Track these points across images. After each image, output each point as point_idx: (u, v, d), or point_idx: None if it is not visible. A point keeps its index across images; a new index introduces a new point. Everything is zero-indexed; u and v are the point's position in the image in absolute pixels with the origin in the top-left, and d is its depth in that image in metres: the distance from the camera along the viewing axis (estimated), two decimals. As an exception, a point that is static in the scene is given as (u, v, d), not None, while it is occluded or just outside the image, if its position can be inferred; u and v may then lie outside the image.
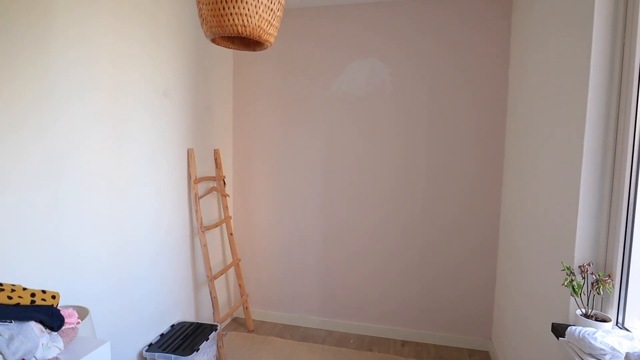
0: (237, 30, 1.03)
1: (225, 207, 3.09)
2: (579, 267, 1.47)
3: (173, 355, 2.18)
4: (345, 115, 3.02)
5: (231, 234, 3.12)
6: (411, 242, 2.98)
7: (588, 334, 1.23)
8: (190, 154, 2.66)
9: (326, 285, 3.18)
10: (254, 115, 3.22)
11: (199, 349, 2.25)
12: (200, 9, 1.11)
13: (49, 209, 1.66)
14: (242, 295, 3.16)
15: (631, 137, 1.37)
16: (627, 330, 1.36)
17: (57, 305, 1.28)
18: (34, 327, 1.17)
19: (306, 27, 3.04)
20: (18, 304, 1.16)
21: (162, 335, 2.39)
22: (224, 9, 1.03)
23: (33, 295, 1.22)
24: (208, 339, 2.38)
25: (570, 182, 1.59)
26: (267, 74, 3.16)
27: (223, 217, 3.11)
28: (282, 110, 3.15)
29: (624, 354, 1.09)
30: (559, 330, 1.45)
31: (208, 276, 2.70)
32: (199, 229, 2.68)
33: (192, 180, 2.65)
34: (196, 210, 2.68)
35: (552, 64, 1.86)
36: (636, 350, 1.13)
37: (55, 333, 1.25)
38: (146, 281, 2.30)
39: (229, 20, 1.03)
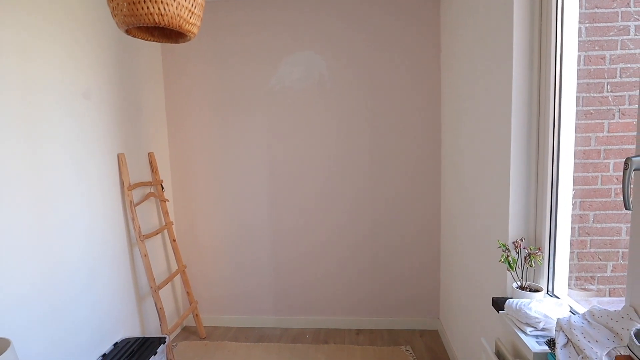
0: (154, 19, 0.93)
1: (166, 213, 2.94)
2: (513, 243, 1.57)
3: (118, 376, 2.04)
4: (285, 110, 2.98)
5: (174, 240, 2.97)
6: (356, 232, 3.03)
7: (524, 305, 1.32)
8: (121, 159, 2.48)
9: (278, 283, 3.15)
10: (189, 114, 3.08)
11: (146, 365, 2.13)
12: (109, -4, 0.99)
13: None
14: (190, 303, 3.03)
15: (551, 123, 1.49)
16: (557, 297, 1.48)
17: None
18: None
19: (239, 20, 2.94)
20: None
21: (104, 356, 2.22)
22: (136, -5, 0.92)
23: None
24: (156, 353, 2.26)
25: (501, 166, 1.69)
26: (200, 71, 3.03)
27: (164, 224, 2.96)
28: (219, 108, 3.04)
29: (555, 320, 1.18)
30: (498, 303, 1.54)
31: (152, 287, 2.55)
32: (137, 238, 2.52)
33: (126, 187, 2.48)
34: (132, 219, 2.51)
35: (477, 47, 1.96)
36: (565, 315, 1.22)
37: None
38: (80, 299, 2.12)
39: (143, 9, 0.92)
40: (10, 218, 1.71)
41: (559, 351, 1.02)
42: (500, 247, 1.58)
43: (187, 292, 3.03)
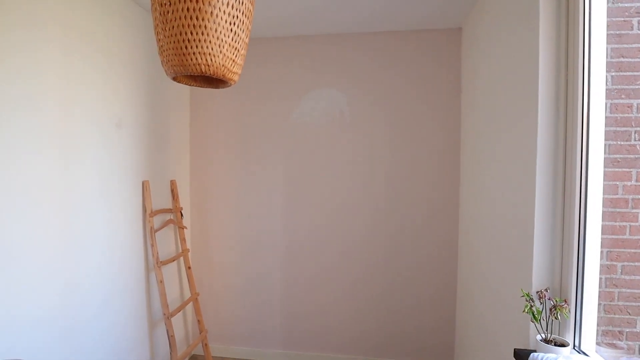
0: (201, 69, 0.99)
1: (183, 240, 2.96)
2: (537, 292, 1.52)
3: (126, 406, 2.01)
4: (305, 145, 3.02)
5: (189, 268, 2.97)
6: (373, 272, 2.98)
7: (550, 361, 1.26)
8: (145, 186, 2.54)
9: (289, 316, 3.10)
10: (212, 145, 3.15)
11: (154, 396, 2.09)
12: (160, 48, 1.06)
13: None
14: (201, 332, 3.00)
15: (578, 170, 1.47)
16: (585, 354, 1.41)
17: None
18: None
19: (264, 57, 3.05)
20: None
21: (113, 383, 2.20)
22: (186, 47, 0.98)
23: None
24: (165, 383, 2.22)
25: (524, 212, 1.66)
26: (225, 105, 3.12)
27: (180, 250, 2.97)
28: (240, 141, 3.10)
29: (585, 381, 1.12)
30: (521, 356, 1.48)
31: (165, 314, 2.54)
32: (154, 264, 2.53)
33: (148, 213, 2.52)
34: (152, 245, 2.53)
35: (500, 92, 1.98)
36: (596, 376, 1.17)
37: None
38: (96, 324, 2.12)
39: (191, 60, 0.99)
40: (37, 239, 1.75)
41: (590, 416, 0.97)
42: (523, 296, 1.53)
43: (198, 320, 3.00)
